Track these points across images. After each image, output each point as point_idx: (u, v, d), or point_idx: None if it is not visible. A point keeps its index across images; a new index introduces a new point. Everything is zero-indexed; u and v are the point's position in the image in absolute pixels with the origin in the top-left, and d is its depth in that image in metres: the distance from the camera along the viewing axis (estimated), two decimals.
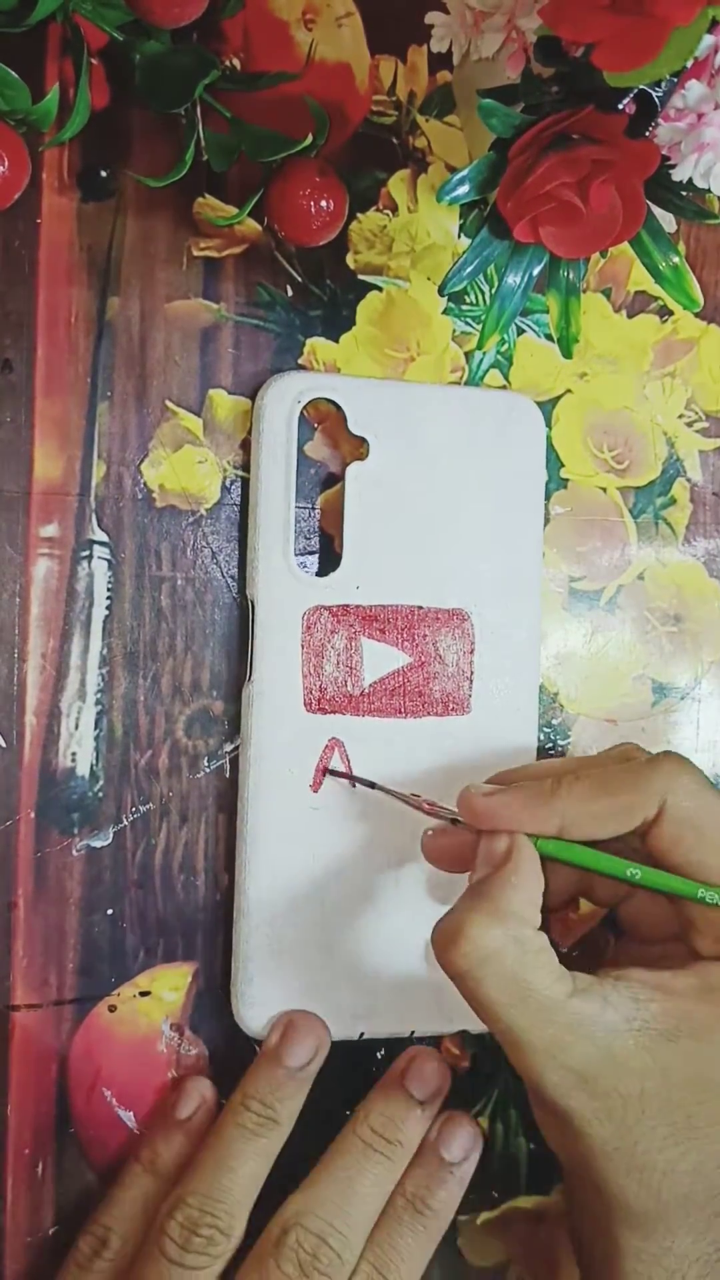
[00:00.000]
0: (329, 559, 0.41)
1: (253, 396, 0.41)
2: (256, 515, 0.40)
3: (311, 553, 0.42)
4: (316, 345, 0.42)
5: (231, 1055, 0.41)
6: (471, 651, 0.42)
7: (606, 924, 0.42)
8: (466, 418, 0.42)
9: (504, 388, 0.44)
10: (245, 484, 0.41)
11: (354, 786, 0.40)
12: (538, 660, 0.43)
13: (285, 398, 0.40)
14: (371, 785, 0.39)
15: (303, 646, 0.40)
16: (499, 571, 0.42)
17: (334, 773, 0.40)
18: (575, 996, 0.34)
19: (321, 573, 0.41)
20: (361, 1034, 0.41)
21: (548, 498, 0.44)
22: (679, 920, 0.37)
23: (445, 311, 0.43)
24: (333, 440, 0.42)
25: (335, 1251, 0.37)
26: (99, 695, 0.40)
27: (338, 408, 0.41)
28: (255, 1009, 0.40)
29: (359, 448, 0.41)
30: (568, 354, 0.37)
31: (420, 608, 0.41)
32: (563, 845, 0.36)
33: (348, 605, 0.41)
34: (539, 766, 0.38)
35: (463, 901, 0.35)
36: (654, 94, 0.33)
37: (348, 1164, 0.38)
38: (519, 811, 0.35)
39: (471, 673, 0.42)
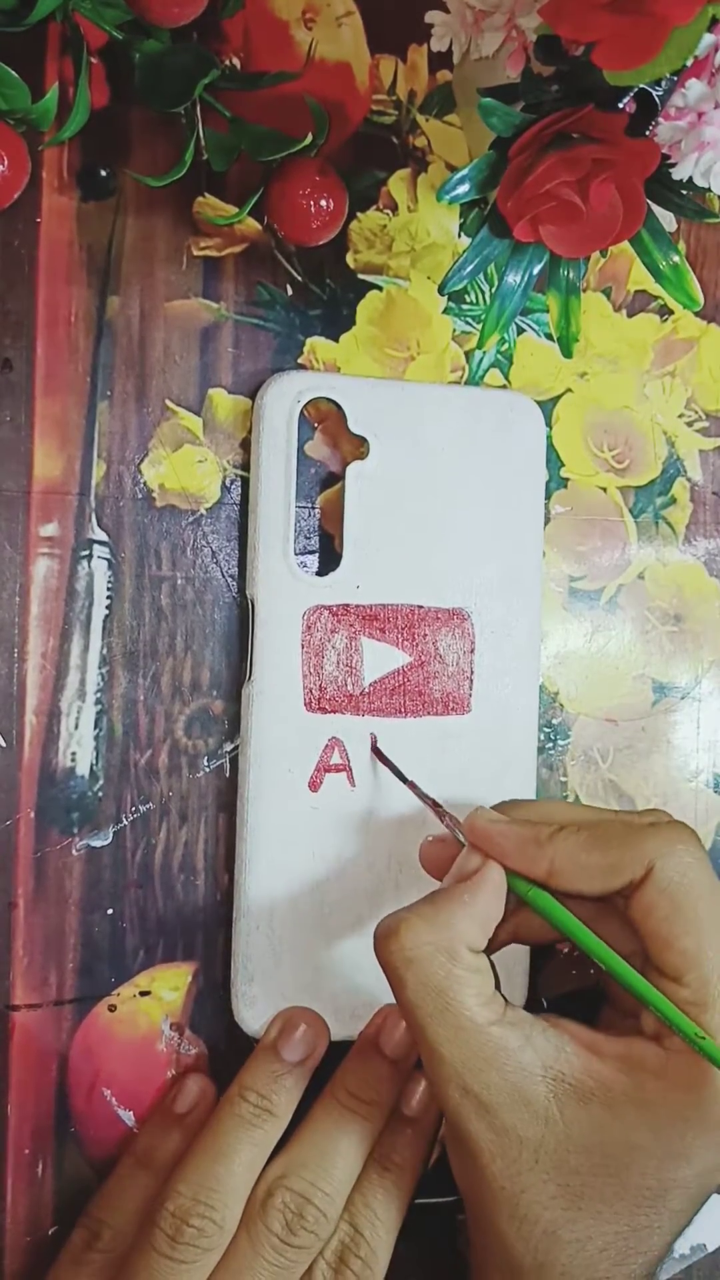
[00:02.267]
0: (329, 558, 0.41)
1: (253, 396, 0.41)
2: (256, 515, 0.40)
3: (311, 552, 0.42)
4: (316, 345, 0.42)
5: (231, 1055, 0.41)
6: (472, 651, 0.42)
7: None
8: (466, 417, 0.42)
9: (504, 387, 0.44)
10: (245, 483, 0.41)
11: (397, 778, 0.40)
12: (538, 660, 0.43)
13: (285, 397, 0.40)
14: (405, 780, 0.39)
15: (303, 646, 0.40)
16: (499, 571, 0.42)
17: (379, 754, 0.40)
18: (498, 1025, 0.34)
19: (321, 572, 0.41)
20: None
21: (548, 497, 0.44)
22: None
23: (445, 311, 0.43)
24: (333, 440, 0.42)
25: (320, 1209, 0.37)
26: (99, 695, 0.40)
27: (338, 407, 0.41)
28: (255, 1008, 0.40)
29: (359, 447, 0.41)
30: (568, 353, 0.37)
31: (420, 607, 0.41)
32: (551, 902, 0.35)
33: (348, 605, 0.41)
34: (552, 808, 0.38)
35: (411, 905, 0.35)
36: (654, 93, 0.33)
37: (327, 1126, 0.38)
38: (513, 847, 0.35)
39: (472, 672, 0.42)
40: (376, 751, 0.40)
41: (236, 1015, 0.40)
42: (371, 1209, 0.38)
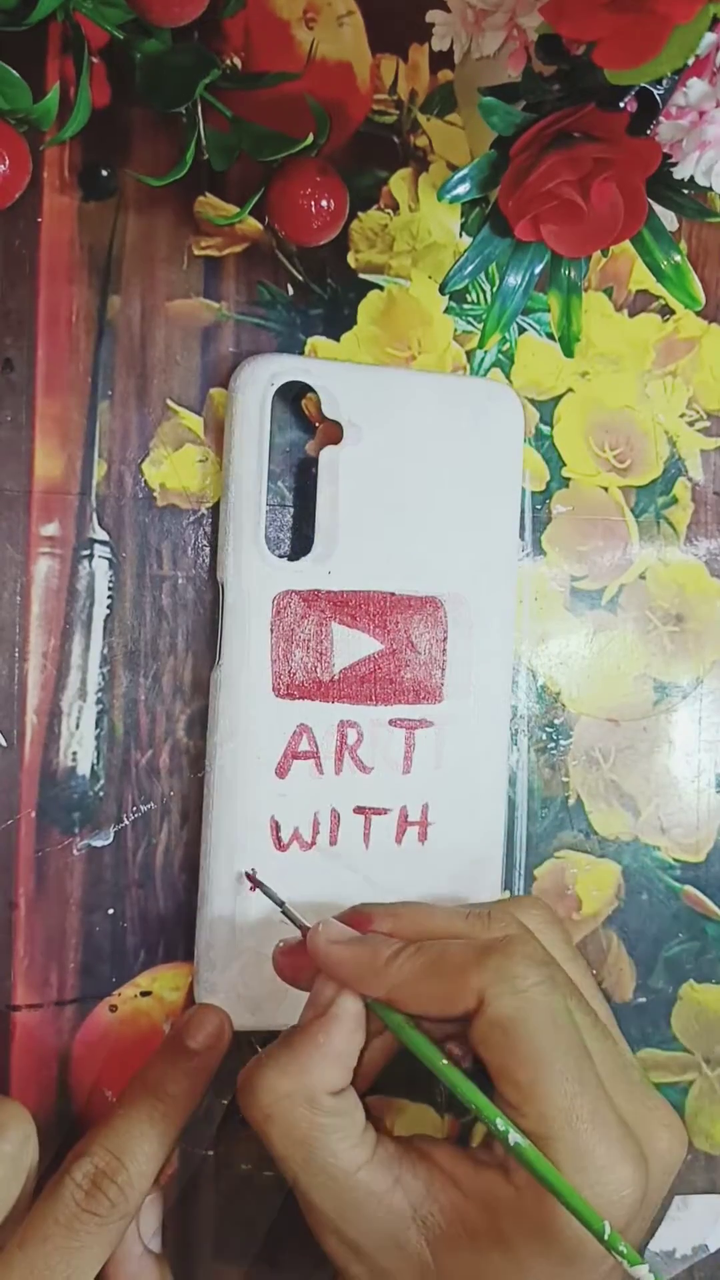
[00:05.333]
0: (301, 544, 0.41)
1: None
2: (227, 499, 0.40)
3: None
4: (318, 344, 0.42)
5: (233, 1055, 0.41)
6: (445, 639, 0.42)
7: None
8: (443, 404, 0.41)
9: (484, 376, 0.43)
10: None
11: (256, 891, 0.39)
12: (511, 649, 0.43)
13: (258, 381, 0.40)
14: (280, 905, 0.38)
15: (272, 631, 0.40)
16: (474, 559, 0.42)
17: (253, 880, 0.39)
18: (365, 1169, 0.33)
19: (293, 557, 0.41)
20: None
21: (549, 497, 0.44)
22: None
23: (447, 310, 0.43)
24: (323, 433, 0.42)
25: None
26: (100, 694, 0.40)
27: (313, 392, 0.40)
28: (215, 996, 0.39)
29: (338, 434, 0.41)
30: (569, 353, 0.37)
31: (393, 594, 0.41)
32: (393, 1017, 0.35)
33: (318, 590, 0.40)
34: (405, 918, 0.37)
35: (267, 1051, 0.35)
36: (655, 92, 0.33)
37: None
38: (352, 972, 0.35)
39: (444, 661, 0.42)
40: (252, 879, 0.39)
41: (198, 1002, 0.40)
42: (135, 1137, 0.36)
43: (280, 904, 0.38)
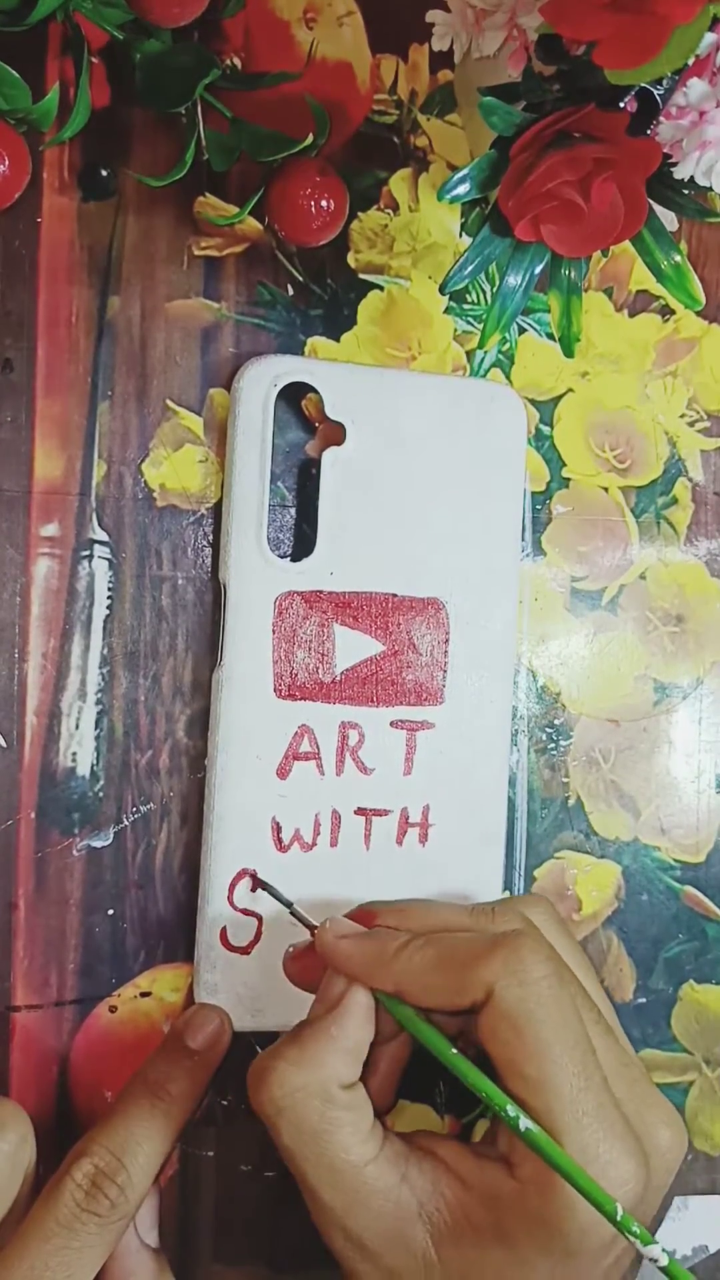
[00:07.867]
0: (303, 544, 0.41)
1: None
2: (230, 499, 0.40)
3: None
4: (318, 344, 0.42)
5: (234, 1054, 0.41)
6: (446, 641, 0.42)
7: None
8: (446, 406, 0.41)
9: (487, 378, 0.43)
10: None
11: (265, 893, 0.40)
12: (513, 652, 0.43)
13: (261, 381, 0.40)
14: (289, 906, 0.39)
15: (274, 631, 0.40)
16: (476, 561, 0.42)
17: (259, 881, 0.39)
18: (374, 1164, 0.34)
19: (295, 558, 0.41)
20: None
21: (549, 497, 0.44)
22: None
23: (447, 310, 0.43)
24: (323, 435, 0.42)
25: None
26: (99, 695, 0.40)
27: (317, 393, 0.40)
28: (216, 996, 0.39)
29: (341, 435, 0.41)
30: (569, 353, 0.37)
31: (395, 596, 0.41)
32: (403, 1010, 0.35)
33: (320, 591, 0.40)
34: (410, 913, 0.37)
35: (279, 1044, 0.35)
36: (655, 92, 0.33)
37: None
38: (361, 965, 0.35)
39: (446, 663, 0.42)
40: (257, 881, 0.40)
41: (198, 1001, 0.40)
42: (136, 1137, 0.36)
43: (288, 904, 0.39)
